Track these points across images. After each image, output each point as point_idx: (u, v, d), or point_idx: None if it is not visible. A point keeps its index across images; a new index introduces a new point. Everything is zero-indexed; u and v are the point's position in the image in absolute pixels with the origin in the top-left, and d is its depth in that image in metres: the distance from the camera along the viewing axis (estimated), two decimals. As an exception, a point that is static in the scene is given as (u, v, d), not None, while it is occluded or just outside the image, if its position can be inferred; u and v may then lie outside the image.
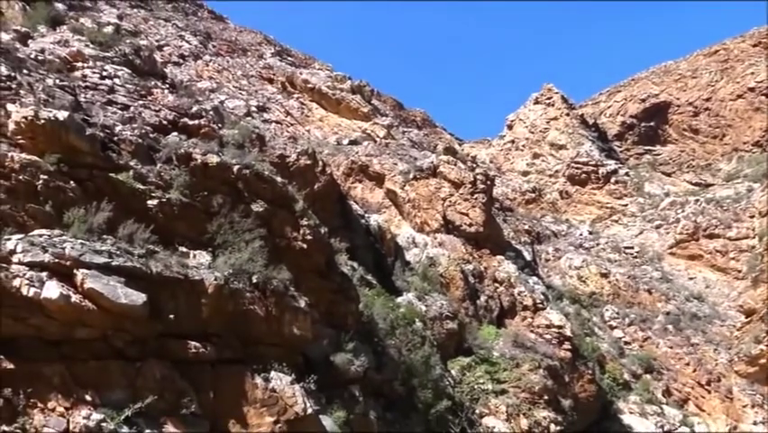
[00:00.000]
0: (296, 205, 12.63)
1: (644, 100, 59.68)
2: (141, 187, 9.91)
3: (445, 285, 22.10)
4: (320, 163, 20.03)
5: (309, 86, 38.03)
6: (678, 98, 57.57)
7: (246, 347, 9.58)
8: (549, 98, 56.89)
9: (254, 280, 9.96)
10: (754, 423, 24.30)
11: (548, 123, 54.96)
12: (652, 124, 58.42)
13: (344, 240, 16.90)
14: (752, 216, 36.47)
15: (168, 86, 13.68)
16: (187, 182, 10.57)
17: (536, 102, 57.79)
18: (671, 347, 30.18)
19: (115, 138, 10.36)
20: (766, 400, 24.50)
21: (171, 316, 8.56)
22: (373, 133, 34.79)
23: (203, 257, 9.82)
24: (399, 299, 18.42)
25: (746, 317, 23.00)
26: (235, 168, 11.59)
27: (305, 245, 12.31)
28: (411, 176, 27.19)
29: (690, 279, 38.97)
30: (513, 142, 57.17)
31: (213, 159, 11.25)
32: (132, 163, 10.07)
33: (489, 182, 27.74)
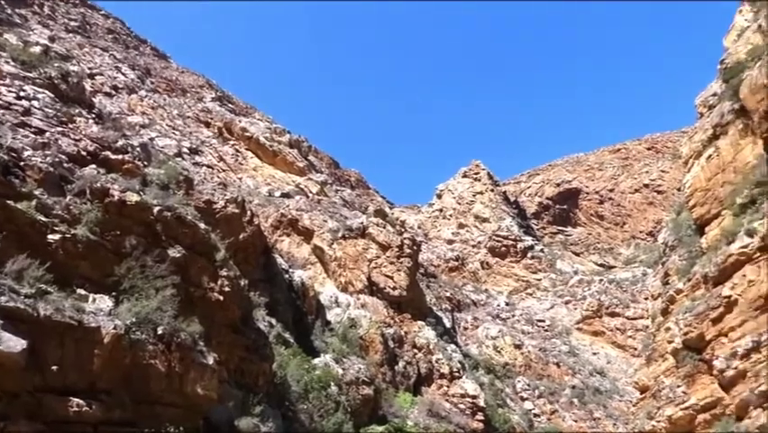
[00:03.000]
0: (217, 253, 12.06)
1: (558, 185, 65.71)
2: (44, 219, 9.02)
3: (365, 348, 21.65)
4: (248, 213, 19.51)
5: (247, 134, 37.79)
6: (587, 186, 64.13)
7: (139, 407, 8.61)
8: (476, 173, 60.74)
9: (159, 332, 9.16)
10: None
11: (474, 196, 58.29)
12: (565, 207, 64.18)
13: (265, 294, 16.26)
14: (646, 298, 39.95)
15: (94, 116, 12.97)
16: (99, 219, 9.79)
17: (465, 175, 61.40)
18: (576, 421, 31.29)
19: (22, 163, 9.50)
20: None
21: (54, 367, 7.56)
22: (306, 189, 34.80)
23: (104, 302, 8.94)
24: (316, 361, 17.72)
25: (641, 394, 24.45)
26: (156, 209, 10.96)
27: (221, 297, 11.65)
28: (340, 234, 27.19)
29: (594, 354, 41.38)
30: (441, 210, 59.65)
31: (132, 197, 10.59)
32: (37, 192, 9.21)
33: (415, 247, 28.36)
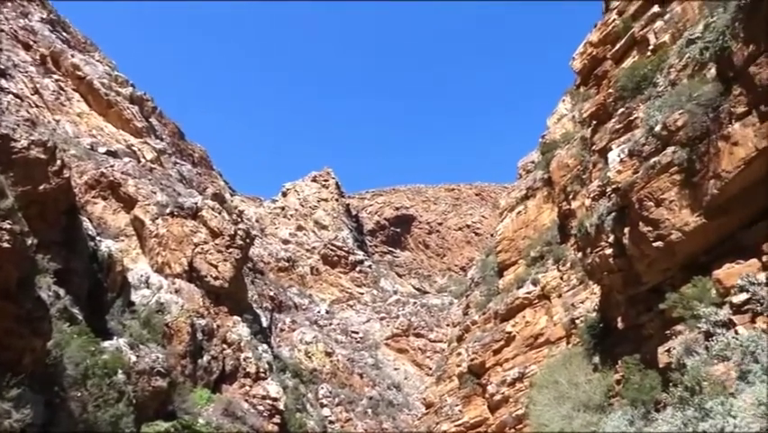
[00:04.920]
0: (2, 200, 10.03)
1: (397, 209, 70.63)
2: None
3: (169, 337, 20.02)
4: (58, 162, 16.60)
5: (78, 73, 32.42)
6: (421, 216, 70.27)
7: None
8: (326, 180, 61.69)
9: None
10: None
11: (318, 202, 59.07)
12: (398, 230, 69.16)
13: (58, 260, 14.01)
14: (448, 325, 45.05)
15: None
16: None
17: (314, 180, 61.87)
18: (366, 430, 33.41)
19: None
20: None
21: None
22: (140, 153, 31.16)
23: None
24: (106, 344, 15.74)
25: (426, 409, 27.33)
26: (-76, 129, 8.70)
27: (-4, 254, 9.67)
28: (168, 210, 24.92)
29: (395, 369, 44.88)
30: (283, 209, 58.93)
31: None
32: None
33: (248, 240, 27.43)
